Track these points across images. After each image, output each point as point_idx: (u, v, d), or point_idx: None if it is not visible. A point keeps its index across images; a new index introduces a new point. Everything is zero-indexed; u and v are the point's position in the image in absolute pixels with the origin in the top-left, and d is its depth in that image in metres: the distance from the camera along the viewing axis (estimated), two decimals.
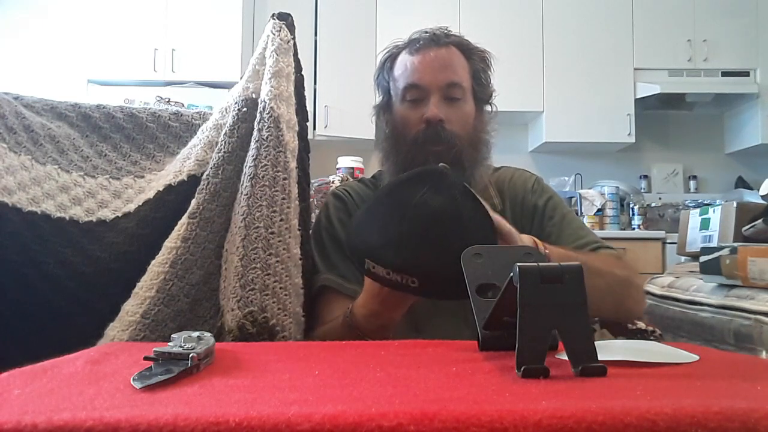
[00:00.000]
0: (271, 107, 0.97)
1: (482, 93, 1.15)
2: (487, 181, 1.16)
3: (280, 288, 0.93)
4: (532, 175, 1.23)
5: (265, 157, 0.95)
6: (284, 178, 0.96)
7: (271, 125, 0.96)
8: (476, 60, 1.15)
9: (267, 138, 0.96)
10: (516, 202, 1.17)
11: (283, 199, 0.95)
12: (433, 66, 1.10)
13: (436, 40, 1.12)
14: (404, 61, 1.13)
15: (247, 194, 0.94)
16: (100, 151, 1.13)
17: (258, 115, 0.99)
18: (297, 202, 0.98)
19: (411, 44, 1.13)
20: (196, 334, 0.63)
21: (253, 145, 0.98)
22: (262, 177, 0.94)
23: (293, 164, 0.99)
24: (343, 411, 0.40)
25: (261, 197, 0.94)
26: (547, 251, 0.95)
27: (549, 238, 1.07)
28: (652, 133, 4.32)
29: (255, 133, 0.98)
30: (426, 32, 1.13)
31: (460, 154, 1.08)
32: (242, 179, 0.98)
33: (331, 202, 1.18)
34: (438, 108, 1.08)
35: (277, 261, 0.93)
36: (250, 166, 0.96)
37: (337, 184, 1.35)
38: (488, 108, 1.18)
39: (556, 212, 1.15)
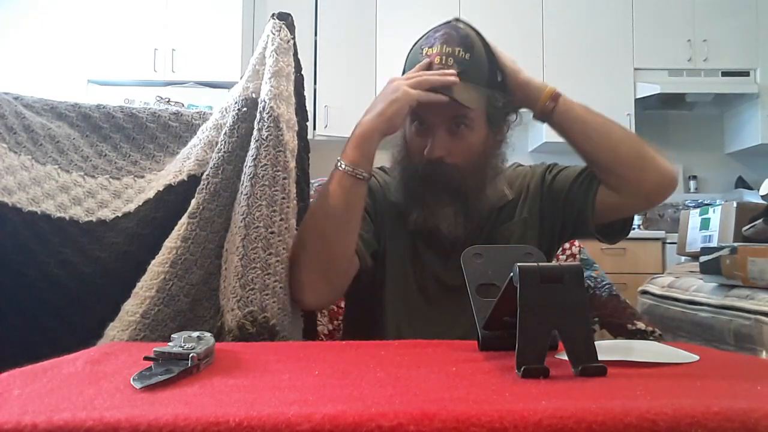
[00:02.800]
0: (271, 107, 0.97)
1: (496, 115, 1.09)
2: (502, 187, 1.16)
3: (281, 288, 0.93)
4: (539, 166, 1.23)
5: (265, 156, 0.95)
6: (284, 178, 0.96)
7: (271, 125, 0.96)
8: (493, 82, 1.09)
9: (267, 138, 0.96)
10: (524, 185, 1.18)
11: (283, 198, 0.95)
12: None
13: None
14: None
15: (246, 194, 0.94)
16: (100, 151, 1.13)
17: (258, 114, 0.99)
18: (295, 201, 0.99)
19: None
20: (196, 334, 0.63)
21: (252, 144, 0.97)
22: (262, 176, 0.94)
23: (292, 164, 0.99)
24: (343, 411, 0.40)
25: (261, 197, 0.94)
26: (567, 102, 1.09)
27: (557, 183, 1.15)
28: (652, 133, 4.31)
29: (255, 132, 0.98)
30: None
31: (460, 186, 1.07)
32: (242, 179, 0.98)
33: None
34: (439, 145, 1.05)
35: (277, 260, 0.93)
36: (249, 166, 0.96)
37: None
38: (510, 118, 1.14)
39: (559, 166, 1.20)
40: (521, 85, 1.11)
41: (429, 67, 1.05)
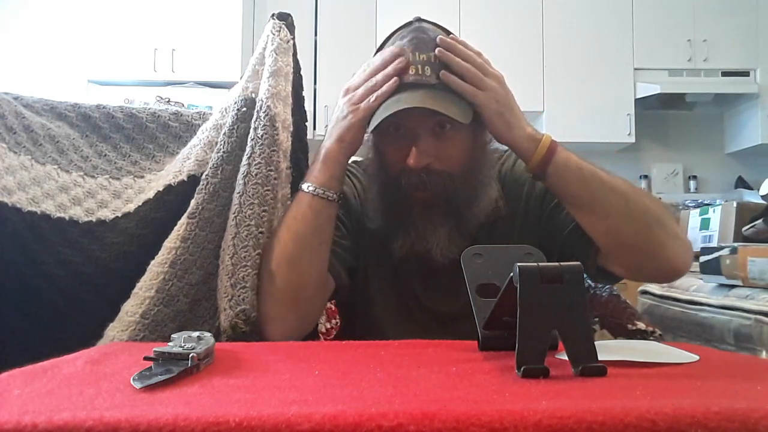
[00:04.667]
0: (268, 105, 0.97)
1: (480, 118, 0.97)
2: (495, 198, 1.02)
3: None
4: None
5: (260, 155, 0.95)
6: (275, 178, 0.96)
7: (267, 123, 0.96)
8: None
9: (262, 136, 0.96)
10: (520, 198, 1.04)
11: (272, 198, 0.95)
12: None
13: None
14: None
15: (239, 192, 0.94)
16: (100, 151, 1.13)
17: (255, 113, 0.99)
18: (290, 202, 0.98)
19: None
20: (196, 334, 0.63)
21: (249, 143, 0.97)
22: (255, 175, 0.94)
23: (284, 164, 0.98)
24: (343, 411, 0.40)
25: (252, 195, 0.93)
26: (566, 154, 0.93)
27: (560, 218, 0.99)
28: (652, 133, 4.32)
29: (251, 131, 0.98)
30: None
31: (453, 197, 0.95)
32: (237, 178, 0.98)
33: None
34: (425, 151, 0.92)
35: None
36: (244, 164, 0.96)
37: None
38: None
39: None
40: (506, 143, 0.95)
41: (393, 63, 0.92)
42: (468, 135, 0.97)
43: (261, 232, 0.92)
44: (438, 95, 0.90)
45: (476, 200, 0.98)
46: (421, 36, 0.95)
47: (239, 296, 0.89)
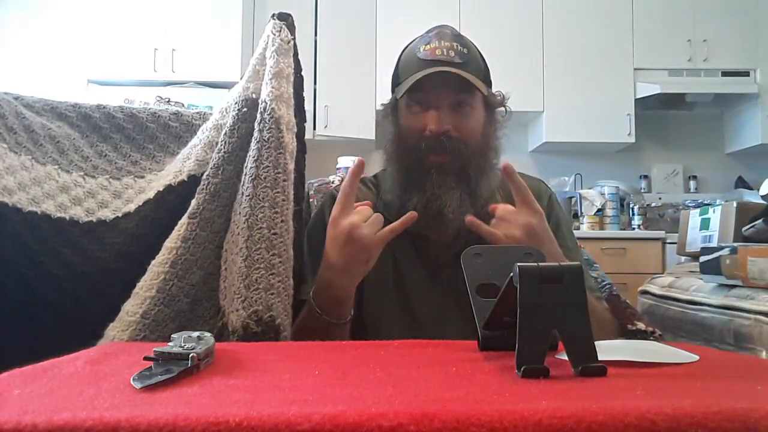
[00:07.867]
0: (272, 108, 0.97)
1: (493, 97, 1.12)
2: (495, 186, 1.12)
3: (283, 288, 0.93)
4: (546, 191, 1.19)
5: (267, 158, 0.95)
6: (284, 180, 0.96)
7: (272, 126, 0.97)
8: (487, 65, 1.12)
9: (268, 139, 0.96)
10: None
11: (283, 200, 0.95)
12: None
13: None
14: None
15: (249, 195, 0.94)
16: (101, 151, 1.13)
17: (259, 116, 0.99)
18: (292, 203, 0.99)
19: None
20: (196, 334, 0.63)
21: (253, 146, 0.98)
22: (264, 178, 0.95)
23: (291, 166, 0.99)
24: (343, 411, 0.40)
25: (263, 198, 0.94)
26: None
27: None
28: (652, 133, 4.32)
29: (256, 134, 0.98)
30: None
31: (466, 165, 1.05)
32: (243, 180, 0.98)
33: (328, 205, 1.10)
34: (443, 119, 1.04)
35: (280, 261, 0.93)
36: (251, 167, 0.96)
37: (337, 184, 1.34)
38: (501, 109, 1.15)
39: (555, 210, 1.15)
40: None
41: (425, 58, 1.04)
42: (481, 116, 1.09)
43: (274, 234, 0.93)
44: (462, 73, 1.03)
45: (485, 174, 1.08)
46: (445, 30, 1.09)
47: (252, 298, 0.89)
